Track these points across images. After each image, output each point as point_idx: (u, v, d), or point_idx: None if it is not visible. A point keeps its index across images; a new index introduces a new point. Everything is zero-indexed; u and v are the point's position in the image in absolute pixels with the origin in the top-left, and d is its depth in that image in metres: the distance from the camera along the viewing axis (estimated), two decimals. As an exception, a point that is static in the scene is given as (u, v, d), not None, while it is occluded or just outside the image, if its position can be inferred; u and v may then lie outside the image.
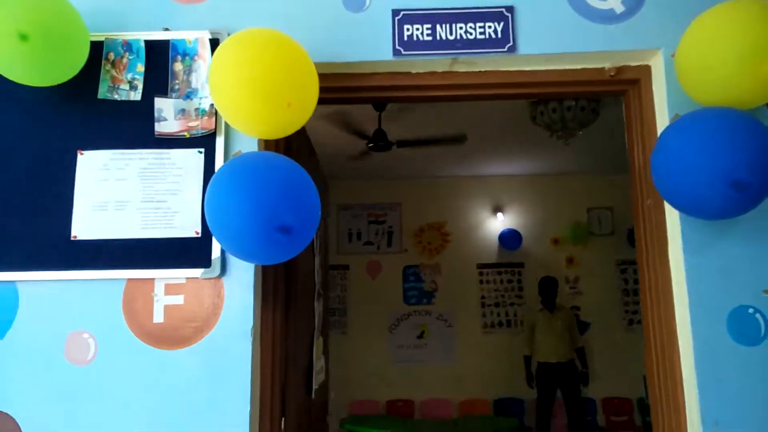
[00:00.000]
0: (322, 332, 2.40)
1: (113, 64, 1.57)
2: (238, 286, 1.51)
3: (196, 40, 1.58)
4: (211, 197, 1.33)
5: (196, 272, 1.49)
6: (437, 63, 1.67)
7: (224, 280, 1.51)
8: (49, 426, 1.44)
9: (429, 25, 1.64)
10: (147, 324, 1.48)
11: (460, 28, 1.64)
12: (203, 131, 1.53)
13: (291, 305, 1.80)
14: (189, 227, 1.50)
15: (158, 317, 1.49)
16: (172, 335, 1.48)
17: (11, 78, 1.43)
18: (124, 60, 1.57)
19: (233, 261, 1.52)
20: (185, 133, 1.52)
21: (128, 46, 1.57)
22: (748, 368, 1.41)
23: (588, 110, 4.27)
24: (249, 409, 1.46)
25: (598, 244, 6.58)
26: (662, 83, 1.61)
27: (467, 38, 1.64)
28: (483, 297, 6.79)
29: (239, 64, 1.31)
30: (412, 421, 6.06)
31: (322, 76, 1.54)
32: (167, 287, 1.50)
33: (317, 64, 1.51)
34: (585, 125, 4.36)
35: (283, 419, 1.70)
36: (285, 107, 1.37)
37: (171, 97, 1.54)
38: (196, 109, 1.54)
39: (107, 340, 1.48)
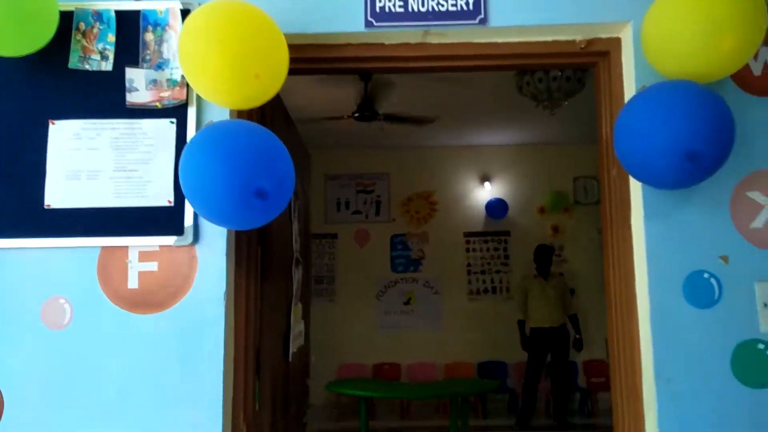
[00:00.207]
0: (302, 299, 2.45)
1: (84, 34, 1.57)
2: (211, 253, 1.55)
3: (167, 10, 1.58)
4: (185, 163, 1.35)
5: (169, 240, 1.53)
6: (409, 35, 1.68)
7: (197, 247, 1.55)
8: (26, 388, 1.49)
9: (401, -4, 1.64)
10: (122, 290, 1.53)
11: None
12: (175, 102, 1.54)
13: (266, 272, 1.84)
14: (161, 196, 1.52)
15: (133, 283, 1.53)
16: (147, 300, 1.53)
17: (-20, 47, 1.43)
18: (95, 30, 1.57)
19: (206, 229, 1.56)
20: (157, 104, 1.54)
21: (98, 15, 1.57)
22: (701, 329, 1.48)
23: (573, 80, 4.27)
24: (222, 371, 1.52)
25: (584, 212, 6.66)
26: (631, 56, 1.63)
27: (439, 10, 1.64)
28: (469, 265, 6.89)
29: (206, 35, 1.32)
30: (399, 384, 6.22)
31: (293, 47, 1.55)
32: (141, 254, 1.54)
33: (288, 35, 1.52)
34: (570, 95, 4.37)
35: (257, 382, 1.76)
36: (253, 78, 1.39)
37: (142, 68, 1.55)
38: (168, 80, 1.55)
39: (83, 305, 1.52)
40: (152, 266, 1.54)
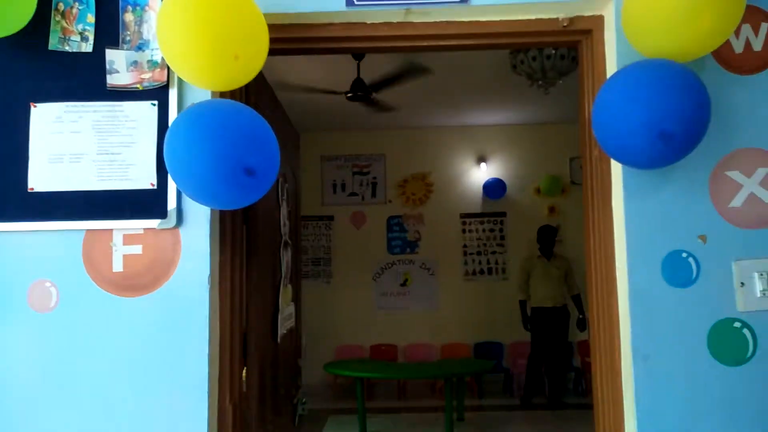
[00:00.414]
0: (291, 280, 2.47)
1: (63, 14, 1.56)
2: (195, 235, 1.56)
3: (147, -10, 1.57)
4: (172, 143, 1.36)
5: (153, 223, 1.54)
6: (391, 14, 1.67)
7: (181, 230, 1.56)
8: (13, 370, 1.52)
9: (382, -25, 1.63)
10: (107, 273, 1.54)
11: (414, -23, 1.63)
12: (156, 83, 1.54)
13: (252, 254, 1.86)
14: (144, 179, 1.53)
15: (117, 266, 1.54)
16: (132, 283, 1.54)
17: (-42, 30, 1.43)
18: (74, 10, 1.56)
19: (190, 211, 1.57)
20: (138, 86, 1.54)
21: (77, -5, 1.56)
22: (678, 308, 1.50)
23: (567, 59, 4.25)
24: (208, 353, 1.54)
25: (580, 193, 6.68)
26: (613, 34, 1.62)
27: (421, -12, 1.63)
28: (465, 246, 6.92)
29: (183, 16, 1.31)
30: (395, 364, 6.28)
31: (273, 27, 1.54)
32: (125, 237, 1.55)
33: (267, 15, 1.51)
34: (564, 74, 4.34)
35: (245, 362, 1.79)
36: (232, 59, 1.38)
37: (122, 49, 1.55)
38: (149, 61, 1.55)
39: (69, 288, 1.54)
40: (137, 249, 1.56)
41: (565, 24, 1.68)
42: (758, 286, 1.48)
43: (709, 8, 1.28)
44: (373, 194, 6.97)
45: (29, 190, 1.52)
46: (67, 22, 1.55)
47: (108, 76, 1.53)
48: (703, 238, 1.51)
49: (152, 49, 1.55)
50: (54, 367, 1.52)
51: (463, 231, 6.95)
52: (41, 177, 1.52)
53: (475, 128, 6.94)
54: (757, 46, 1.54)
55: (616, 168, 1.58)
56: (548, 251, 5.85)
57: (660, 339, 1.49)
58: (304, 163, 6.81)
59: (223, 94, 1.63)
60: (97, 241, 1.55)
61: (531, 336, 5.87)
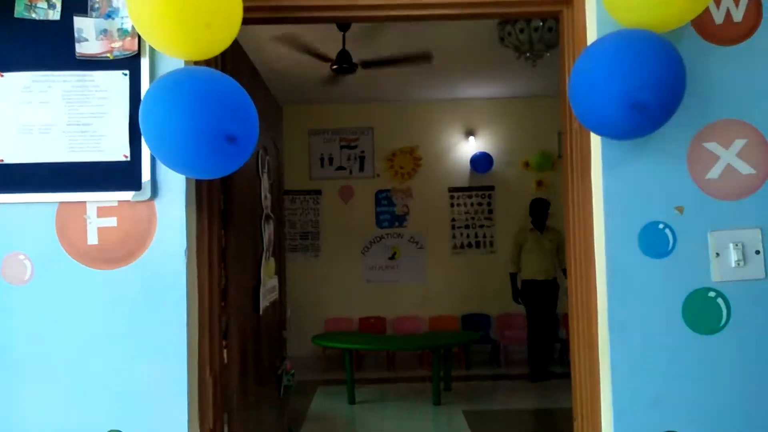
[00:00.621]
0: (275, 254, 2.46)
1: (29, -20, 1.51)
2: (171, 207, 1.55)
3: (115, -46, 1.52)
4: (148, 111, 1.33)
5: (127, 195, 1.52)
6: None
7: (156, 202, 1.54)
8: (-12, 343, 1.51)
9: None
10: (81, 245, 1.52)
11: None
12: (127, 52, 1.50)
13: (231, 227, 1.84)
14: (117, 151, 1.50)
15: (92, 239, 1.53)
16: (108, 256, 1.53)
17: None
18: (41, -24, 1.51)
19: (165, 183, 1.55)
20: (108, 55, 1.50)
21: (43, -40, 1.51)
22: (654, 279, 1.51)
23: (555, 31, 4.20)
24: (186, 325, 1.54)
25: (567, 166, 6.68)
26: (594, 4, 1.59)
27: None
28: (453, 219, 6.93)
29: (151, -19, 1.27)
30: (383, 336, 6.35)
31: (247, -5, 1.50)
32: (100, 210, 1.53)
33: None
34: (552, 46, 4.30)
35: (225, 334, 1.79)
36: (204, 28, 1.35)
37: (91, 17, 1.50)
38: (119, 30, 1.51)
39: (43, 261, 1.52)
40: (111, 222, 1.54)
41: (546, -8, 1.65)
42: (733, 257, 1.49)
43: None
44: (361, 168, 6.94)
45: (-1, 162, 1.49)
46: (33, -12, 1.50)
47: (77, 45, 1.49)
48: (680, 209, 1.51)
49: (122, 17, 1.51)
50: (30, 340, 1.51)
51: (452, 205, 6.96)
52: (11, 148, 1.49)
53: (464, 101, 6.89)
54: (738, 16, 1.52)
55: (596, 140, 1.57)
56: (541, 224, 5.84)
57: (636, 309, 1.51)
58: (291, 136, 6.75)
59: (197, 64, 1.60)
60: (71, 214, 1.53)
61: (526, 310, 5.89)
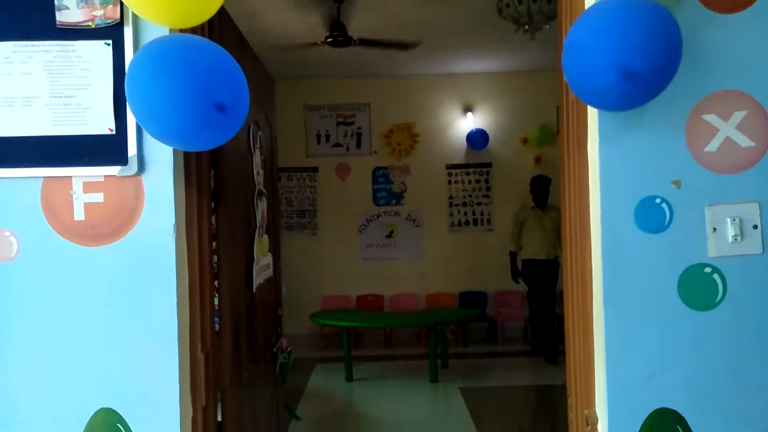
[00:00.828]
0: (268, 231, 2.44)
1: (6, -54, 1.45)
2: (159, 182, 1.51)
3: None
4: (134, 79, 1.29)
5: (114, 170, 1.48)
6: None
7: (143, 177, 1.51)
8: (-26, 319, 1.49)
9: None
10: (68, 221, 1.49)
11: None
12: (109, 21, 1.45)
13: (221, 202, 1.82)
14: (101, 124, 1.46)
15: (79, 215, 1.50)
16: (95, 232, 1.50)
17: None
18: (18, -58, 1.45)
19: (152, 157, 1.51)
20: (90, 23, 1.45)
21: (21, -75, 1.45)
22: (650, 254, 1.48)
23: (554, 2, 4.12)
24: (176, 302, 1.51)
25: (566, 143, 6.61)
26: (593, -31, 1.54)
27: None
28: (451, 197, 6.91)
29: (130, -55, 1.22)
30: (380, 314, 6.37)
31: (234, -39, 1.45)
32: (86, 185, 1.50)
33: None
34: (551, 18, 4.22)
35: (217, 311, 1.77)
36: (188, -6, 1.30)
37: (72, -16, 1.45)
38: (101, -2, 1.45)
39: (29, 237, 1.49)
40: (98, 197, 1.51)
41: (544, -41, 1.60)
42: (730, 232, 1.46)
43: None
44: (358, 145, 6.89)
45: (-19, 136, 1.45)
46: (11, -45, 1.45)
47: (57, 13, 1.44)
48: (678, 183, 1.48)
49: (104, -16, 1.45)
50: (17, 318, 1.49)
51: (449, 182, 6.93)
52: (-7, 122, 1.45)
53: (461, 76, 6.81)
54: (740, -18, 1.47)
55: (593, 113, 1.53)
56: (542, 202, 5.73)
57: (631, 284, 1.48)
58: (287, 112, 6.69)
59: (182, 32, 1.55)
60: (56, 189, 1.49)
61: (528, 290, 5.81)
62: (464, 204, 6.90)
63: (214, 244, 1.78)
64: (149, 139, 1.48)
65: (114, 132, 1.47)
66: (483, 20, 4.92)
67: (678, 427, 1.46)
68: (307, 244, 6.87)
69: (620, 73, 1.19)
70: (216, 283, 1.80)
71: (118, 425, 1.47)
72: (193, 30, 1.54)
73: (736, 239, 1.46)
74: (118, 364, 1.49)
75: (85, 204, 1.50)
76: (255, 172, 2.21)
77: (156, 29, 1.48)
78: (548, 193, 5.74)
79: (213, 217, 1.77)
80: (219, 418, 1.75)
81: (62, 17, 1.44)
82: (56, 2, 1.44)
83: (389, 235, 6.90)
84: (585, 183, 1.58)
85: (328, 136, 6.87)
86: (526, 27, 4.28)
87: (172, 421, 1.49)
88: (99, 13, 1.44)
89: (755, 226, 1.47)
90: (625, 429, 1.46)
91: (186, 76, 1.27)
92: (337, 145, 6.88)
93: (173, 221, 1.52)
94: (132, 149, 1.48)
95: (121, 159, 1.48)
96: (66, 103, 1.46)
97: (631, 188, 1.49)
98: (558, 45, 1.66)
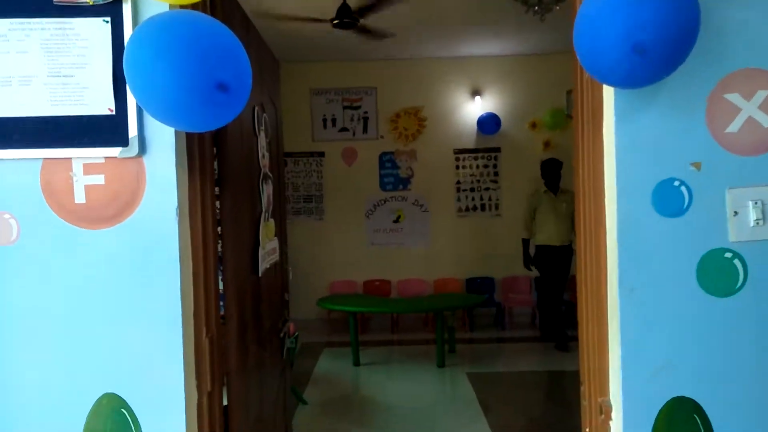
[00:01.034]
0: (274, 215, 2.40)
1: None
2: (161, 164, 1.47)
3: None
4: (134, 56, 1.24)
5: (114, 151, 1.44)
6: None
7: (145, 158, 1.47)
8: (-26, 304, 1.46)
9: None
10: (68, 204, 1.46)
11: None
12: (107, -3, 1.40)
13: (226, 186, 1.78)
14: (101, 104, 1.42)
15: (80, 197, 1.46)
16: (96, 215, 1.46)
17: None
18: None
19: (154, 139, 1.47)
20: (87, 0, 1.40)
21: None
22: (667, 239, 1.43)
23: (566, -18, 4.03)
24: (180, 287, 1.48)
25: (576, 127, 6.49)
26: (612, -59, 1.47)
27: None
28: (458, 182, 6.84)
29: None
30: (387, 299, 6.35)
31: (236, -67, 1.39)
32: (86, 167, 1.46)
33: None
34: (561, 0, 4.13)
35: (221, 293, 1.74)
36: (188, -33, 1.25)
37: (69, -42, 1.40)
38: (99, -28, 1.40)
39: (29, 220, 1.46)
40: (99, 179, 1.47)
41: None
42: (752, 215, 1.41)
43: None
44: (365, 130, 6.82)
45: (-22, 117, 1.41)
46: (6, -72, 1.40)
47: (54, -10, 1.39)
48: (697, 165, 1.42)
49: (102, -41, 1.40)
50: (19, 302, 1.46)
51: (457, 167, 6.86)
52: (-10, 102, 1.41)
53: (469, 59, 6.71)
54: (765, -47, 1.40)
55: (608, 92, 1.47)
56: (555, 186, 5.60)
57: (648, 270, 1.44)
58: (293, 96, 6.62)
59: (183, 9, 1.50)
60: (56, 171, 1.46)
61: (541, 276, 5.70)
62: (472, 189, 6.84)
63: (218, 228, 1.74)
64: (150, 120, 1.44)
65: (114, 112, 1.43)
66: (492, 1, 4.82)
67: (695, 416, 1.42)
68: (313, 229, 6.84)
69: (629, 46, 1.13)
70: (221, 267, 1.76)
71: (122, 410, 1.45)
72: (194, 6, 1.49)
73: (757, 223, 1.41)
74: (121, 350, 1.47)
75: (86, 186, 1.46)
76: (260, 154, 2.17)
77: (156, 5, 1.43)
78: (560, 177, 5.62)
79: (217, 201, 1.73)
80: (225, 402, 1.73)
81: (59, -7, 1.39)
82: (53, -23, 1.39)
83: (396, 221, 6.86)
84: (600, 166, 1.53)
85: (334, 121, 6.81)
86: (536, 8, 4.19)
87: (177, 406, 1.47)
88: (97, -12, 1.39)
89: (778, 210, 1.41)
90: (640, 418, 1.43)
91: (186, 53, 1.22)
92: (344, 129, 6.82)
93: (176, 204, 1.48)
94: (133, 130, 1.44)
95: (122, 140, 1.44)
96: (64, 82, 1.42)
97: (648, 171, 1.44)
98: (570, 22, 1.60)
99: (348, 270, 6.85)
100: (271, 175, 2.34)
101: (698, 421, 1.42)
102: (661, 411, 1.43)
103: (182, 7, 1.45)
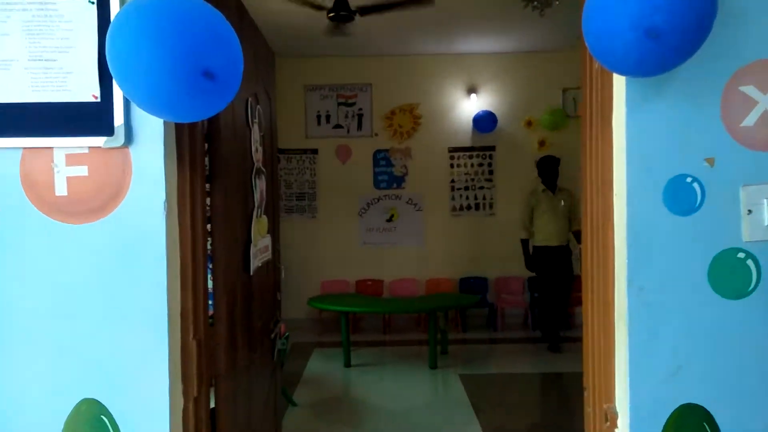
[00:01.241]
0: (267, 211, 2.32)
1: None
2: (148, 155, 1.39)
3: None
4: (115, 41, 1.16)
5: (98, 141, 1.36)
6: None
7: (131, 149, 1.39)
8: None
9: None
10: (49, 197, 1.38)
11: None
12: (93, -23, 1.32)
13: (216, 178, 1.70)
14: (85, 90, 1.34)
15: (61, 190, 1.38)
16: (78, 209, 1.38)
17: None
18: None
19: (141, 128, 1.39)
20: (72, -20, 1.32)
21: None
22: (678, 237, 1.37)
23: (565, -22, 3.98)
24: (166, 285, 1.40)
25: (572, 125, 6.46)
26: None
27: None
28: (453, 181, 6.78)
29: None
30: (379, 299, 6.28)
31: None
32: (68, 157, 1.38)
33: None
34: (562, -6, 4.09)
35: (211, 292, 1.67)
36: (178, -55, 1.17)
37: (52, -65, 1.32)
38: (84, -49, 1.32)
39: (8, 213, 1.38)
40: (82, 171, 1.39)
41: None
42: (766, 214, 1.35)
43: None
44: (359, 127, 6.75)
45: (-47, 102, 1.33)
46: None
47: (36, -32, 1.31)
48: (711, 161, 1.36)
49: (88, -64, 1.32)
50: (-4, 299, 1.38)
51: (451, 166, 6.81)
52: (-34, 87, 1.33)
53: (466, 56, 6.65)
54: (784, -59, 1.34)
55: (619, 82, 1.41)
56: (552, 184, 5.51)
57: (658, 271, 1.38)
58: (286, 91, 6.54)
59: (175, -6, 1.42)
60: (37, 161, 1.38)
61: (540, 277, 5.58)
62: (466, 188, 6.78)
63: (208, 223, 1.67)
64: (137, 109, 1.36)
65: (99, 99, 1.35)
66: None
67: (704, 424, 1.36)
68: (306, 227, 6.76)
69: (642, 30, 1.07)
70: (210, 265, 1.69)
71: (102, 417, 1.37)
72: (185, -11, 1.42)
73: (773, 223, 1.35)
74: (102, 352, 1.38)
75: (68, 178, 1.38)
76: (253, 148, 2.09)
77: (144, -14, 1.35)
78: (557, 174, 5.53)
79: (207, 195, 1.65)
80: (212, 405, 1.65)
81: (41, -29, 1.31)
82: (34, -45, 1.31)
83: (390, 219, 6.79)
84: (609, 161, 1.47)
85: (328, 117, 6.73)
86: (535, 3, 4.13)
87: (161, 413, 1.39)
88: (81, -33, 1.31)
89: (794, 209, 1.36)
90: (648, 426, 1.37)
91: (171, 35, 1.14)
92: (338, 126, 6.74)
93: (163, 197, 1.40)
94: (119, 119, 1.36)
95: (107, 129, 1.36)
96: (47, 67, 1.33)
97: (659, 166, 1.38)
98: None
99: (340, 269, 6.77)
100: (264, 169, 2.27)
101: (708, 430, 1.36)
102: (669, 419, 1.37)
103: (172, -11, 1.38)
